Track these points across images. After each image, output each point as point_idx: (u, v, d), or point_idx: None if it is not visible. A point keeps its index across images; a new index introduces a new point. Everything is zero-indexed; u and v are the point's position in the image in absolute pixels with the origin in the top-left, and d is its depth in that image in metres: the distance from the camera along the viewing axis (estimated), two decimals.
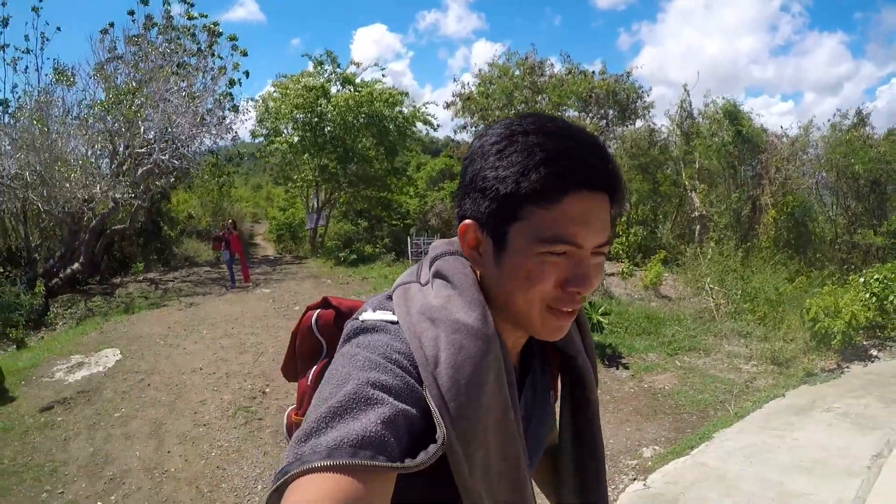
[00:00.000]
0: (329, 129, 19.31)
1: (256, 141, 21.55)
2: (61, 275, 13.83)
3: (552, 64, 21.13)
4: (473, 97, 20.93)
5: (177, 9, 17.65)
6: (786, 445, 5.03)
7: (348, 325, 0.89)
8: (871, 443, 4.92)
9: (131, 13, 16.67)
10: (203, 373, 6.84)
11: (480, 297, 0.86)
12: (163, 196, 18.92)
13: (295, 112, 19.08)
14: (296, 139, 19.47)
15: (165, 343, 8.18)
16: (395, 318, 0.86)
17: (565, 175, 0.80)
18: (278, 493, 0.63)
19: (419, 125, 21.87)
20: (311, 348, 1.07)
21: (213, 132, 17.03)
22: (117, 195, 13.45)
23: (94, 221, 14.16)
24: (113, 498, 4.22)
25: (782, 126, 24.21)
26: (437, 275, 0.91)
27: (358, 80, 20.75)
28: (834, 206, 20.66)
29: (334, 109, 18.88)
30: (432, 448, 0.73)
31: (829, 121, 21.37)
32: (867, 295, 8.43)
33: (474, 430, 0.79)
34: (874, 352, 8.01)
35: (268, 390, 6.16)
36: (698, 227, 18.86)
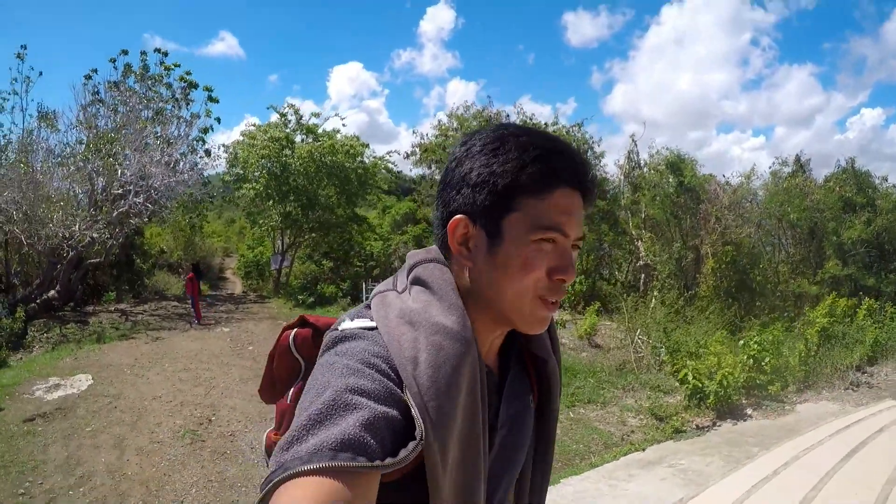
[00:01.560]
0: (293, 178, 20.65)
1: (225, 183, 22.97)
2: (38, 301, 14.93)
3: (507, 115, 22.62)
4: (431, 147, 22.57)
5: (155, 58, 19.38)
6: (613, 494, 5.49)
7: (327, 336, 0.91)
8: (681, 496, 5.35)
9: (113, 60, 18.39)
10: (162, 400, 8.16)
11: (459, 302, 0.90)
12: (136, 231, 19.93)
13: (261, 161, 20.48)
14: (261, 187, 20.76)
15: (132, 372, 9.49)
16: (373, 324, 0.89)
17: (557, 171, 0.90)
18: (265, 501, 0.66)
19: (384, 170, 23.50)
20: (288, 368, 1.09)
21: (186, 178, 18.24)
22: (94, 234, 14.82)
23: (71, 254, 15.31)
24: (81, 490, 5.53)
25: (724, 174, 25.06)
26: (416, 281, 0.94)
27: (320, 130, 22.25)
28: (775, 254, 21.28)
29: (298, 161, 20.29)
30: (412, 444, 0.76)
31: (769, 168, 22.77)
32: (745, 357, 8.89)
33: (450, 430, 0.81)
34: (749, 410, 8.40)
35: (213, 418, 7.50)
36: (643, 275, 19.56)
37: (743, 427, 7.81)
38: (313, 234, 23.12)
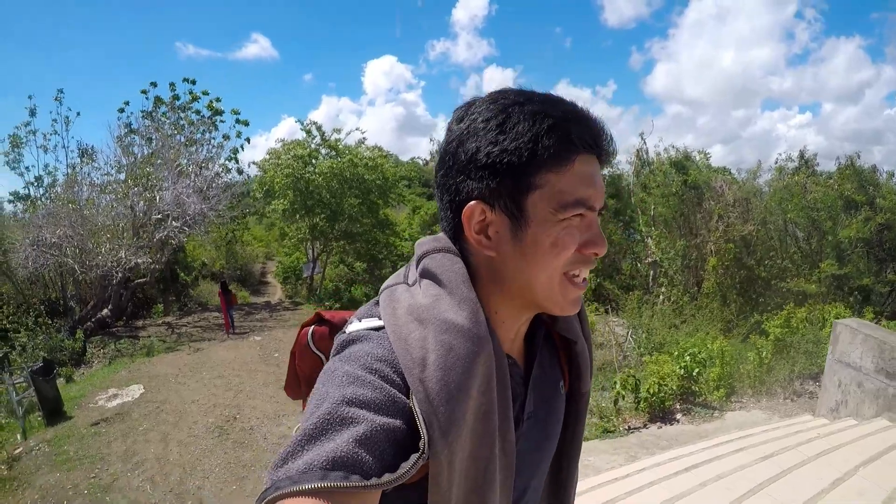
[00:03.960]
0: (317, 192, 22.63)
1: (256, 200, 25.27)
2: (93, 320, 17.47)
3: None
4: None
5: (184, 87, 21.85)
6: None
7: (336, 340, 0.91)
8: None
9: (144, 92, 20.99)
10: (198, 403, 10.33)
11: (471, 295, 0.87)
12: (178, 247, 22.24)
13: (286, 180, 22.45)
14: (288, 203, 22.77)
15: (176, 381, 11.71)
16: (381, 323, 0.88)
17: (573, 138, 0.85)
18: None
19: (425, 152, 25.70)
20: (310, 365, 1.13)
21: (216, 203, 20.16)
22: (139, 260, 17.20)
23: (119, 276, 17.57)
24: (137, 472, 7.69)
25: (730, 170, 24.76)
26: (425, 274, 0.91)
27: (342, 145, 24.21)
28: (781, 251, 21.05)
29: (319, 176, 22.27)
30: (413, 457, 0.75)
31: (776, 163, 23.37)
32: (677, 367, 9.30)
33: (460, 435, 0.80)
34: (679, 416, 8.79)
35: (237, 416, 9.65)
36: (652, 272, 20.46)
37: (665, 431, 8.26)
38: (340, 243, 25.31)
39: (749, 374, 10.34)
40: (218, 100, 21.98)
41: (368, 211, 24.16)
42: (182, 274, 24.33)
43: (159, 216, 18.60)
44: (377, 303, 0.95)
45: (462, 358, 0.80)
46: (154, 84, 21.11)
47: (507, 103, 0.87)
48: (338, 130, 24.69)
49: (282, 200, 22.74)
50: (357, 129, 25.50)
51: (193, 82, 21.76)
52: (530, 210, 0.86)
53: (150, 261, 17.96)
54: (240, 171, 23.07)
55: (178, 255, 23.39)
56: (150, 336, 16.36)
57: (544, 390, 1.06)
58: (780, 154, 23.55)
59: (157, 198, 18.48)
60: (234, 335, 16.54)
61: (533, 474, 1.07)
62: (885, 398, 6.56)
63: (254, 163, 24.64)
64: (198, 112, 21.81)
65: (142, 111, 20.74)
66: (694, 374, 9.39)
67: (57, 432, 9.14)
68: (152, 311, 20.74)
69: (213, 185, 20.44)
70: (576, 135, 0.86)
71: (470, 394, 0.81)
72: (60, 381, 11.66)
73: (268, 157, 24.40)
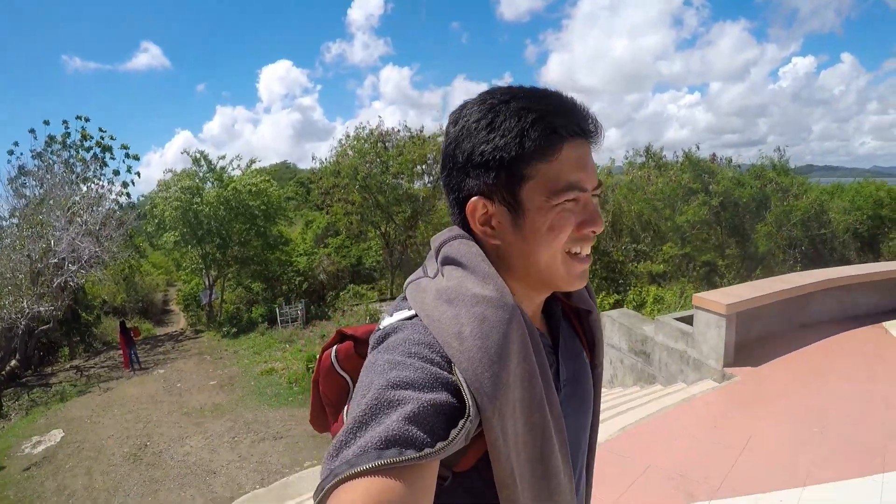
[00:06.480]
0: (206, 222, 24.23)
1: (148, 233, 26.72)
2: (3, 373, 18.64)
3: (398, 131, 26.55)
4: (329, 170, 26.63)
5: (77, 125, 23.12)
6: None
7: (372, 338, 0.95)
8: None
9: (32, 131, 22.13)
10: (114, 438, 12.41)
11: (492, 270, 0.93)
12: (77, 289, 23.08)
13: (174, 213, 23.91)
14: (179, 235, 24.33)
15: (91, 421, 13.69)
16: (412, 312, 0.92)
17: (557, 127, 0.91)
18: None
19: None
20: (336, 389, 1.12)
21: (110, 245, 21.45)
22: (41, 309, 18.55)
23: (23, 324, 18.55)
24: (70, 502, 9.84)
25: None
26: (445, 261, 0.98)
27: (229, 173, 25.93)
28: (639, 235, 23.68)
29: (207, 207, 23.86)
30: (461, 422, 0.77)
31: (626, 158, 26.03)
32: None
33: (508, 399, 0.84)
34: None
35: (148, 444, 11.82)
36: None
37: None
38: (233, 268, 27.06)
39: None
40: (112, 137, 23.62)
41: (257, 235, 25.90)
42: (84, 314, 25.41)
43: (55, 261, 19.73)
44: (404, 298, 0.99)
45: (496, 325, 0.85)
46: (46, 122, 22.58)
47: (495, 102, 0.93)
48: (222, 157, 26.58)
49: (172, 233, 24.21)
50: (238, 156, 26.87)
51: (87, 120, 23.26)
52: (525, 199, 0.92)
53: (52, 307, 19.17)
54: (132, 207, 24.61)
55: (77, 295, 24.33)
56: (61, 382, 18.09)
57: (573, 360, 1.12)
58: (628, 151, 25.96)
59: (52, 242, 19.61)
60: (139, 371, 18.32)
61: (578, 445, 1.12)
62: (636, 371, 8.50)
63: (143, 196, 26.06)
64: (88, 149, 23.21)
65: (31, 150, 21.91)
66: None
67: None
68: (59, 355, 21.93)
69: (106, 224, 21.57)
70: (560, 124, 0.91)
71: (510, 358, 0.85)
72: None
73: (157, 188, 25.78)
